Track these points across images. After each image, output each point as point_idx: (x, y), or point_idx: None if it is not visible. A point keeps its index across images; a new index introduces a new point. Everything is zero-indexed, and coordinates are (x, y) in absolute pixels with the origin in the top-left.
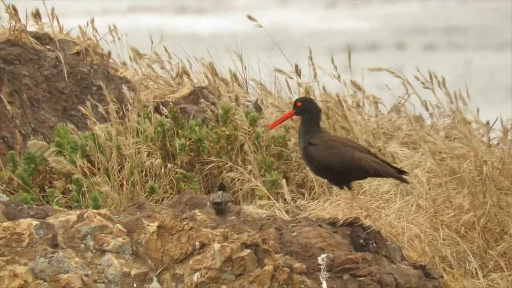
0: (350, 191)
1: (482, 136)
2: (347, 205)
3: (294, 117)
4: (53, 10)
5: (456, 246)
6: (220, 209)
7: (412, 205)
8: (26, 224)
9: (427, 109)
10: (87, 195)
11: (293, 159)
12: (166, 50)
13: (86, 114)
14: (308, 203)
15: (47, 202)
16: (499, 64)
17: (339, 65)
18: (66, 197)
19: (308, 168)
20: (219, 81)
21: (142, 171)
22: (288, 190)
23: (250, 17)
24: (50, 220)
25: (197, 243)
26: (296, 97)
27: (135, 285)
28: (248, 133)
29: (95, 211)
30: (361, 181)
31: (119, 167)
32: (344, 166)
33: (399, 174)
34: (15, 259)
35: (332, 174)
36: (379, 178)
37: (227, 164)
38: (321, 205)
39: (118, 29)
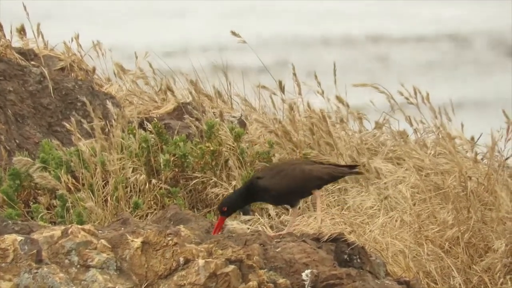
0: (296, 208)
1: (466, 152)
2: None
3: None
4: (38, 26)
5: (440, 262)
6: None
7: (396, 220)
8: (11, 239)
9: (411, 125)
10: (71, 211)
11: None
12: (150, 65)
13: (71, 130)
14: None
15: (32, 218)
16: None
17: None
18: (51, 213)
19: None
20: (203, 96)
21: (126, 187)
22: (272, 206)
23: (233, 33)
24: (35, 235)
25: (181, 259)
26: (280, 113)
27: None
28: (233, 149)
29: (79, 226)
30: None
31: (103, 183)
32: (298, 183)
33: (350, 169)
34: None
35: (290, 195)
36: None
37: (211, 179)
38: (305, 220)
39: (102, 44)
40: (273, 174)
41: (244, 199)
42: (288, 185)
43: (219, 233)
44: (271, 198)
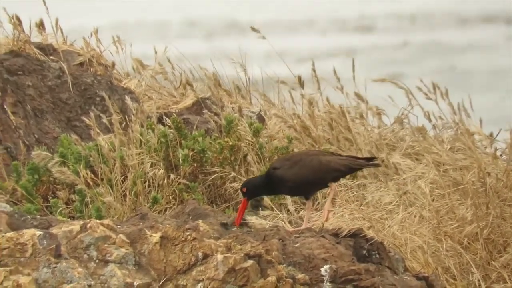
0: (311, 201)
1: (485, 147)
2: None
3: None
4: (57, 20)
5: (459, 257)
6: None
7: (415, 216)
8: (30, 234)
9: (430, 120)
10: (90, 206)
11: None
12: (169, 61)
13: (90, 125)
14: (311, 213)
15: (51, 213)
16: None
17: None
18: (69, 208)
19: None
20: (222, 92)
21: (145, 182)
22: (291, 201)
23: (253, 28)
24: (54, 230)
25: (200, 254)
26: (299, 108)
27: None
28: (251, 144)
29: (98, 221)
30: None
31: (122, 178)
32: (315, 175)
33: (368, 162)
34: (18, 269)
35: (306, 186)
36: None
37: (230, 174)
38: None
39: (122, 40)
40: (290, 165)
41: (264, 187)
42: (305, 176)
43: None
44: (287, 189)
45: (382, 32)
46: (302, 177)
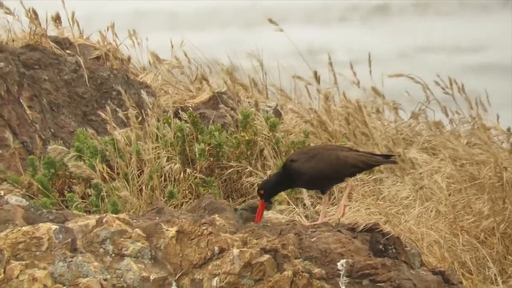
0: (327, 195)
1: (502, 142)
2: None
3: (314, 122)
4: (73, 14)
5: (476, 252)
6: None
7: (431, 211)
8: (46, 228)
9: (446, 115)
10: (106, 200)
11: None
12: (185, 55)
13: (106, 119)
14: (327, 208)
15: (66, 207)
16: None
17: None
18: (85, 202)
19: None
20: (239, 86)
21: (161, 176)
22: (307, 195)
23: (271, 20)
24: (69, 224)
25: (216, 248)
26: (316, 103)
27: None
28: (268, 138)
29: (114, 215)
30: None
31: (138, 172)
32: (333, 169)
33: (386, 159)
34: (34, 263)
35: (323, 180)
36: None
37: (246, 169)
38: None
39: (138, 34)
40: (307, 158)
41: (281, 184)
42: (322, 169)
43: (260, 220)
44: (303, 182)
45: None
46: (319, 171)
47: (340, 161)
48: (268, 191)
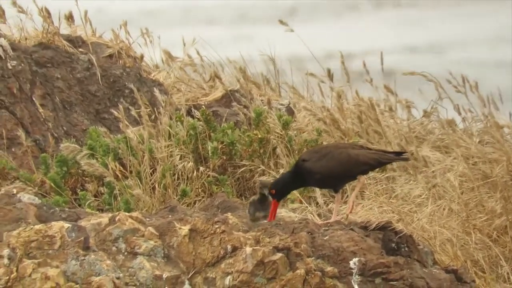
0: (339, 193)
1: None
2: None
3: (327, 121)
4: (86, 12)
5: (488, 251)
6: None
7: (444, 209)
8: (58, 226)
9: (459, 113)
10: (119, 198)
11: None
12: (198, 53)
13: (119, 117)
14: (340, 206)
15: (79, 205)
16: None
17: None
18: (98, 200)
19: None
20: (251, 84)
21: (174, 174)
22: (320, 194)
23: (281, 22)
24: (82, 223)
25: (229, 247)
26: (329, 101)
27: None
28: (281, 137)
29: (127, 214)
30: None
31: (151, 170)
32: (344, 167)
33: (397, 156)
34: (47, 261)
35: (334, 179)
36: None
37: (259, 167)
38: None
39: (151, 32)
40: (319, 157)
41: (292, 183)
42: (333, 168)
43: (274, 219)
44: (315, 181)
45: None
46: (330, 169)
47: (351, 159)
48: (280, 191)
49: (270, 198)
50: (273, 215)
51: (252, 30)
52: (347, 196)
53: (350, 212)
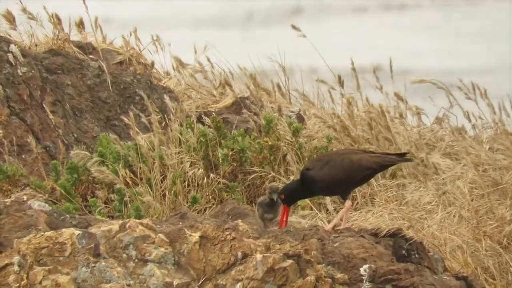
0: (349, 200)
1: None
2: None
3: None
4: (96, 19)
5: (499, 257)
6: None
7: (454, 216)
8: (69, 233)
9: (469, 120)
10: (129, 205)
11: None
12: (208, 60)
13: (129, 124)
14: (350, 213)
15: (90, 212)
16: None
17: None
18: (109, 207)
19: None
20: (262, 91)
21: (184, 181)
22: (330, 201)
23: (294, 27)
24: (93, 229)
25: (239, 254)
26: (339, 108)
27: None
28: (291, 144)
29: (137, 221)
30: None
31: (161, 177)
32: (347, 174)
33: (400, 157)
34: (57, 268)
35: (340, 186)
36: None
37: (269, 174)
38: (363, 215)
39: (161, 39)
40: (321, 165)
41: (301, 191)
42: (336, 175)
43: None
44: (320, 189)
45: None
46: (333, 177)
47: (354, 164)
48: (290, 196)
49: (280, 201)
50: (284, 221)
51: (262, 32)
52: (357, 203)
53: (328, 230)
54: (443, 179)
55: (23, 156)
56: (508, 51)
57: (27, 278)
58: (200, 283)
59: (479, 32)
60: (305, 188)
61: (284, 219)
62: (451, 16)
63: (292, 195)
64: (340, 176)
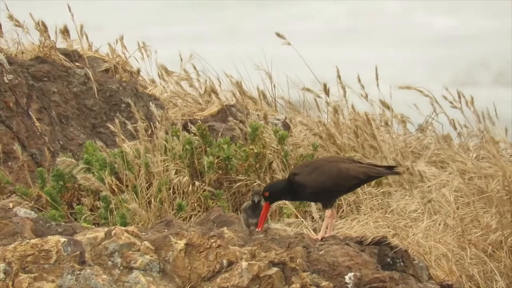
0: (332, 209)
1: (511, 156)
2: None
3: (323, 135)
4: (81, 27)
5: (484, 265)
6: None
7: (439, 224)
8: (54, 241)
9: (455, 128)
10: (115, 212)
11: None
12: (194, 68)
13: (115, 132)
14: (335, 221)
15: (75, 219)
16: None
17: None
18: (94, 214)
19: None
20: (248, 99)
21: (170, 189)
22: (316, 209)
23: (278, 34)
24: (78, 237)
25: (224, 261)
26: (325, 116)
27: None
28: (277, 151)
29: (122, 228)
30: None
31: (147, 185)
32: (334, 181)
33: (388, 170)
34: (42, 276)
35: (327, 193)
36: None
37: (255, 182)
38: (348, 223)
39: (148, 46)
40: (309, 171)
41: (286, 192)
42: (323, 182)
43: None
44: (307, 195)
45: None
46: (321, 183)
47: (342, 173)
48: (274, 195)
49: (262, 203)
50: (263, 218)
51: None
52: (342, 210)
53: (321, 239)
54: (428, 187)
55: (9, 164)
56: None
57: (12, 285)
58: None
59: None
60: (291, 191)
61: (263, 216)
62: None
63: (277, 194)
64: (328, 183)
